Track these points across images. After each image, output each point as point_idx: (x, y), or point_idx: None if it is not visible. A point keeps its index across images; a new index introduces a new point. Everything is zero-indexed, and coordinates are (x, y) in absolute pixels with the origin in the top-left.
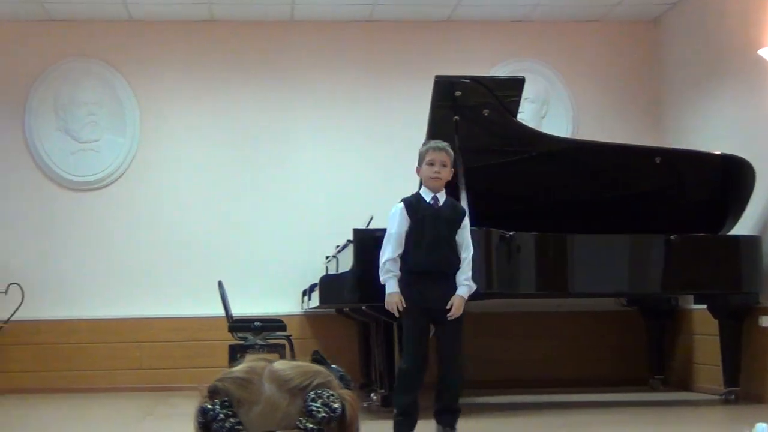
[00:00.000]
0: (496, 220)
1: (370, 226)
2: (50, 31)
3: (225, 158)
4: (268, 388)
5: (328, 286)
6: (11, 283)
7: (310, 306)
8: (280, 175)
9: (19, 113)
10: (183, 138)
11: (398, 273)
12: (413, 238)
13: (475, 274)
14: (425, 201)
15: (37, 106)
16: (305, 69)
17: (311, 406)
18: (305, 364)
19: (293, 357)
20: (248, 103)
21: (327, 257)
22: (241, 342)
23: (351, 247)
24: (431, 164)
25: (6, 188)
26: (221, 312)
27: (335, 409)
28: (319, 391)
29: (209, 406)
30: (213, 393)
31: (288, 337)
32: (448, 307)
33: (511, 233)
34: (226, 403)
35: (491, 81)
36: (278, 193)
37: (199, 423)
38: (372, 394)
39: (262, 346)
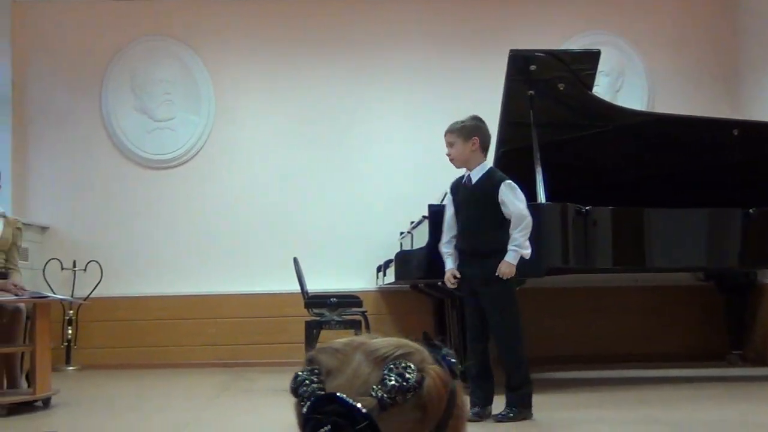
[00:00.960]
0: (571, 195)
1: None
2: (126, 10)
3: (299, 135)
4: (357, 358)
5: (404, 261)
6: (90, 261)
7: (385, 282)
8: (355, 151)
9: (96, 92)
10: (257, 116)
11: (452, 252)
12: (458, 220)
13: (551, 249)
14: (461, 181)
15: (114, 85)
16: (379, 44)
17: (386, 374)
18: (399, 339)
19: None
20: (323, 79)
21: (401, 233)
22: (318, 318)
23: (426, 223)
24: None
25: (83, 167)
26: (296, 288)
27: (408, 379)
28: (398, 362)
29: (300, 373)
30: (309, 361)
31: (363, 313)
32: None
33: (587, 208)
34: (315, 371)
35: (567, 54)
36: (353, 170)
37: (291, 387)
38: None
39: (338, 322)
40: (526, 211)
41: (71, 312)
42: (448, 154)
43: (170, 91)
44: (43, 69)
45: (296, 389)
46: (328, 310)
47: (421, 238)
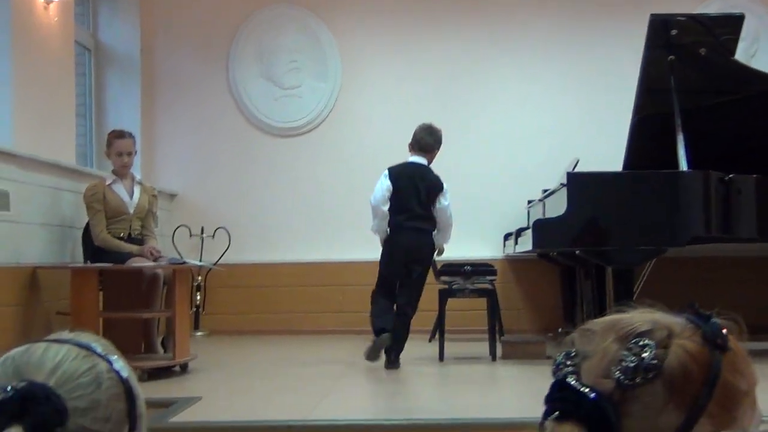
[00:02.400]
0: (713, 163)
1: (577, 169)
2: None
3: (426, 102)
4: (609, 337)
5: (543, 229)
6: (218, 228)
7: (516, 250)
8: (482, 119)
9: (223, 59)
10: (384, 82)
11: None
12: None
13: (693, 218)
14: None
15: (241, 53)
16: (511, 8)
17: (624, 354)
18: (651, 314)
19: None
20: (450, 44)
21: (529, 202)
22: (450, 287)
23: (562, 191)
24: None
25: (211, 134)
26: None
27: (644, 358)
28: (638, 340)
29: (558, 356)
30: (568, 344)
31: (492, 282)
32: None
33: (730, 176)
34: (571, 354)
35: (708, 19)
36: (481, 137)
37: (552, 371)
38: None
39: (471, 290)
40: None
41: (200, 278)
42: None
43: (297, 58)
44: (171, 37)
45: (554, 373)
46: (462, 278)
47: (556, 207)
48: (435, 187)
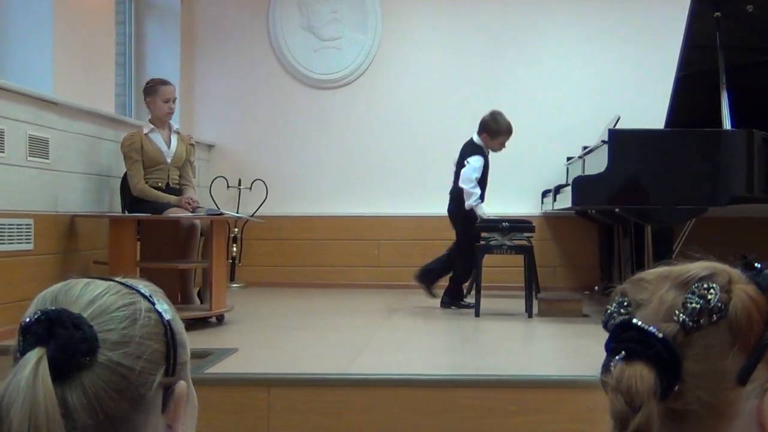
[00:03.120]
0: (758, 122)
1: (618, 126)
2: None
3: (465, 57)
4: (664, 286)
5: (583, 187)
6: (255, 180)
7: (555, 207)
8: (522, 76)
9: (263, 9)
10: (424, 36)
11: None
12: None
13: (736, 177)
14: None
15: (282, 3)
16: None
17: (688, 297)
18: (708, 262)
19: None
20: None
21: (568, 159)
22: (488, 242)
23: (603, 148)
24: None
25: (251, 86)
26: None
27: (710, 300)
28: (702, 284)
29: (610, 306)
30: (620, 294)
31: (529, 239)
32: None
33: None
34: (624, 303)
35: None
36: (520, 94)
37: (602, 321)
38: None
39: (509, 247)
40: None
41: (236, 230)
42: None
43: (337, 9)
44: None
45: (606, 323)
46: (499, 235)
47: (596, 164)
48: None
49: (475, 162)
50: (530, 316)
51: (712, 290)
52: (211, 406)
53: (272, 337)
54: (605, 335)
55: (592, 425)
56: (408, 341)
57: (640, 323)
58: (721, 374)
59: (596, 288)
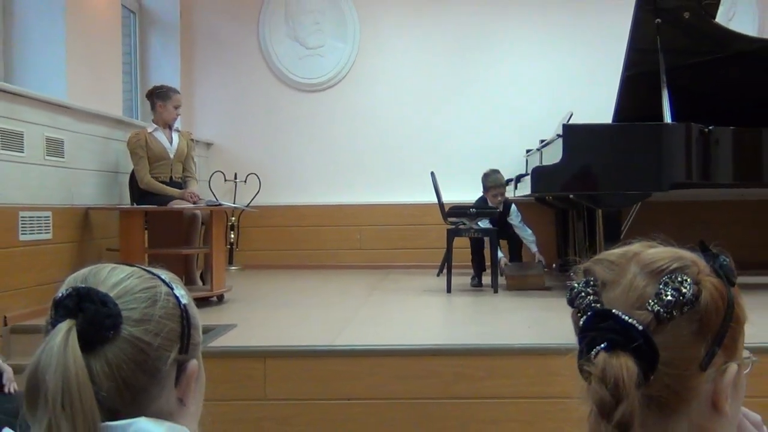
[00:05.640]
0: (695, 117)
1: (571, 122)
2: None
3: (434, 63)
4: (632, 270)
5: (541, 176)
6: (249, 174)
7: (516, 194)
8: (488, 76)
9: (254, 21)
10: (398, 45)
11: None
12: None
13: (675, 165)
14: None
15: (270, 15)
16: None
17: (662, 288)
18: (675, 250)
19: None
20: (459, 10)
21: (527, 151)
22: (457, 227)
23: (558, 141)
24: None
25: (244, 90)
26: (431, 199)
27: (684, 293)
28: (675, 275)
29: (576, 284)
30: (585, 272)
31: (493, 222)
32: None
33: (709, 127)
34: (591, 282)
35: None
36: (486, 93)
37: (567, 298)
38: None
39: (477, 230)
40: None
41: (233, 218)
42: None
43: (320, 21)
44: (207, 1)
45: (572, 300)
46: (467, 219)
47: (552, 155)
48: None
49: None
50: (496, 291)
51: (685, 283)
52: (214, 375)
53: (267, 314)
54: (565, 307)
55: (549, 387)
56: (388, 316)
57: (619, 314)
58: (687, 361)
59: (554, 265)
